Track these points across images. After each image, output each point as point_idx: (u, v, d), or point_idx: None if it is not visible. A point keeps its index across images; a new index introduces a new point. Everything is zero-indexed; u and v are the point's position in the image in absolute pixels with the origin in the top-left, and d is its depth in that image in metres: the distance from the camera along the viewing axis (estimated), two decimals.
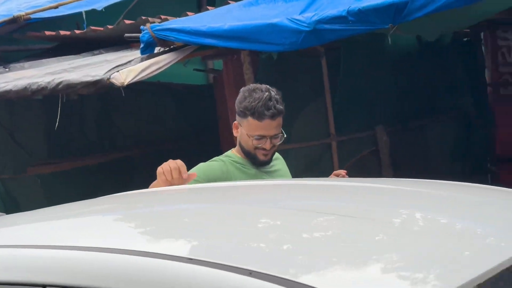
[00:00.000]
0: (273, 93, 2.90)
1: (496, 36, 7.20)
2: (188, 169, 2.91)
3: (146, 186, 2.71)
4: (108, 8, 6.97)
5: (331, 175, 3.23)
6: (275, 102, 2.87)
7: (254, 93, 2.88)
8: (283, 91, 3.00)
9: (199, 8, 6.98)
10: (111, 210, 2.13)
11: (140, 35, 4.83)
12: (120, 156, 6.73)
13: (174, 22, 4.97)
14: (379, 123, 6.08)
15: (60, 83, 4.70)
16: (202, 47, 4.83)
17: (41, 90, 4.85)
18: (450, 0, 3.76)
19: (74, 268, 1.50)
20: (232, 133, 3.06)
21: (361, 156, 6.03)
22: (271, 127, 2.89)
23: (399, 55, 6.39)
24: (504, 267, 1.40)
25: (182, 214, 1.96)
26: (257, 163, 2.99)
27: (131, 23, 5.75)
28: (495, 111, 7.28)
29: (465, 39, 7.36)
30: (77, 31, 6.50)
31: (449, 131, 7.00)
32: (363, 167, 5.90)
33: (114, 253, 1.50)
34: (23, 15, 6.62)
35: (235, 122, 3.00)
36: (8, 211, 3.19)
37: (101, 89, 4.63)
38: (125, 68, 4.53)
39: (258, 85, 2.96)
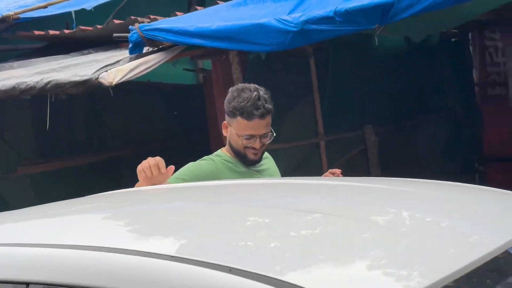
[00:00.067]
0: (261, 93, 2.91)
1: (484, 36, 7.25)
2: (178, 168, 2.94)
3: (135, 185, 2.74)
4: (97, 8, 6.97)
5: (327, 173, 3.20)
6: (264, 101, 2.89)
7: (243, 93, 2.90)
8: (271, 91, 3.01)
9: (189, 8, 6.99)
10: (95, 209, 2.15)
11: (129, 35, 4.84)
12: (109, 156, 6.74)
13: (163, 22, 4.98)
14: (368, 123, 6.11)
15: (48, 82, 4.71)
16: (191, 47, 4.84)
17: (29, 89, 4.86)
18: (435, 1, 3.78)
19: (57, 266, 1.52)
20: (222, 132, 3.08)
21: (350, 156, 6.06)
22: (261, 126, 2.91)
23: (388, 55, 6.43)
24: (483, 262, 1.44)
25: (166, 213, 1.98)
26: (247, 162, 3.00)
27: (120, 23, 5.76)
28: (483, 111, 7.34)
29: (453, 40, 7.41)
30: (66, 31, 6.50)
31: (437, 131, 7.04)
32: (351, 166, 5.93)
33: (98, 251, 1.52)
34: (12, 15, 6.61)
35: (225, 122, 3.01)
36: None
37: (90, 89, 4.64)
38: (113, 68, 4.54)
39: (247, 85, 2.98)
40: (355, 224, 1.72)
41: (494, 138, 7.16)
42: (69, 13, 6.97)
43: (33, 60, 6.15)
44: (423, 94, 6.79)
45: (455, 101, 7.26)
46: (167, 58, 4.83)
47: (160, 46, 4.90)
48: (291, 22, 4.20)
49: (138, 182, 2.72)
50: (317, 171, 5.49)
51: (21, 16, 6.72)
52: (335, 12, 4.03)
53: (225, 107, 2.97)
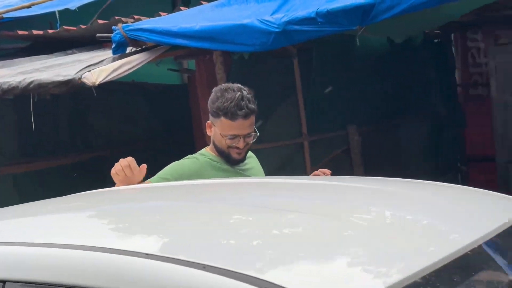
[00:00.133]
0: (245, 93, 2.92)
1: (466, 37, 7.33)
2: (161, 167, 2.96)
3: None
4: (81, 8, 6.96)
5: (317, 172, 3.19)
6: (247, 101, 2.90)
7: (226, 93, 2.91)
8: (255, 91, 3.02)
9: (173, 9, 6.99)
10: (73, 208, 2.16)
11: (112, 35, 4.84)
12: (93, 155, 6.73)
13: (146, 23, 4.98)
14: (351, 123, 6.14)
15: (31, 82, 4.70)
16: (174, 47, 4.85)
17: (12, 89, 4.84)
18: (416, 3, 3.82)
19: (33, 264, 1.53)
20: (206, 132, 3.09)
21: (333, 156, 6.09)
22: (244, 126, 2.92)
23: (371, 56, 6.47)
24: (457, 256, 1.48)
25: (145, 212, 2.00)
26: (231, 161, 3.02)
27: (104, 23, 5.75)
28: (465, 111, 7.41)
29: (436, 40, 7.47)
30: (50, 31, 6.48)
31: (420, 131, 7.09)
32: (335, 166, 5.95)
33: (73, 249, 1.53)
34: None
35: (208, 121, 3.02)
36: None
37: (73, 89, 4.63)
38: (96, 68, 4.54)
39: (230, 85, 2.98)
40: (334, 223, 1.74)
41: (476, 138, 7.24)
42: (53, 13, 6.95)
43: (16, 60, 6.13)
44: (406, 94, 6.84)
45: (438, 101, 7.32)
46: (150, 58, 4.83)
47: (144, 46, 4.90)
48: (274, 23, 4.22)
49: (116, 185, 2.74)
50: (301, 171, 5.52)
51: (5, 16, 6.70)
52: (317, 13, 4.05)
53: (209, 107, 2.98)
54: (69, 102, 6.65)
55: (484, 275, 1.59)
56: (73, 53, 6.06)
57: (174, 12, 5.56)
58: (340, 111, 6.10)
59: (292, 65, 5.68)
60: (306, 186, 2.42)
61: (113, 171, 2.74)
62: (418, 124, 7.04)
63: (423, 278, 1.37)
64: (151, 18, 5.34)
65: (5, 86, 4.86)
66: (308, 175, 3.61)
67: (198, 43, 4.58)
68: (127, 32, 4.76)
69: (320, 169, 3.24)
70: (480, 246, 1.56)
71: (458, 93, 7.55)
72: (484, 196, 2.21)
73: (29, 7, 6.70)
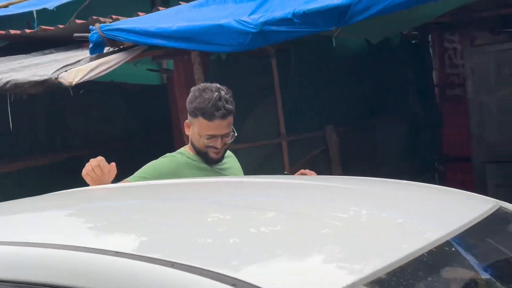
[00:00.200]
0: (223, 93, 2.92)
1: (443, 38, 7.40)
2: (139, 167, 2.96)
3: None
4: (59, 8, 6.93)
5: (303, 171, 3.16)
6: (224, 102, 2.91)
7: (204, 93, 2.91)
8: (233, 91, 3.03)
9: (152, 9, 6.98)
10: (43, 208, 2.16)
11: (89, 35, 4.83)
12: (70, 155, 6.69)
13: (124, 23, 4.98)
14: (329, 123, 6.18)
15: (7, 82, 4.67)
16: (152, 47, 4.86)
17: None
18: (391, 4, 3.86)
19: (6, 263, 1.53)
20: (184, 132, 3.10)
21: (312, 156, 6.12)
22: (222, 126, 2.93)
23: (349, 56, 6.51)
24: (425, 251, 1.51)
25: (115, 210, 2.00)
26: (209, 161, 3.03)
27: (82, 23, 5.73)
28: (442, 112, 7.48)
29: (413, 41, 7.53)
30: (27, 30, 6.44)
31: (398, 131, 7.15)
32: (313, 166, 5.98)
33: (44, 247, 1.54)
34: None
35: (187, 121, 3.03)
36: None
37: (49, 89, 4.61)
38: (73, 67, 4.53)
39: (208, 85, 2.99)
40: (309, 221, 1.76)
41: (453, 138, 7.31)
42: (31, 12, 6.92)
43: None
44: (384, 95, 6.89)
45: (415, 102, 7.39)
46: (128, 58, 4.83)
47: (121, 46, 4.90)
48: (251, 23, 4.24)
49: (89, 185, 2.75)
50: (279, 171, 5.53)
51: None
52: (294, 14, 4.08)
53: (187, 107, 2.99)
54: (46, 102, 6.61)
55: (451, 271, 1.62)
56: (51, 53, 6.03)
57: (152, 12, 5.55)
58: (318, 111, 6.13)
59: (270, 66, 5.70)
60: (284, 186, 2.44)
61: (84, 171, 2.75)
62: (395, 124, 7.10)
63: (393, 271, 1.40)
64: (129, 18, 5.33)
65: None
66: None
67: (175, 43, 4.59)
68: (105, 32, 4.75)
69: (307, 170, 3.25)
70: (447, 241, 1.60)
71: (435, 94, 7.62)
72: (455, 195, 2.25)
73: (6, 6, 6.68)
